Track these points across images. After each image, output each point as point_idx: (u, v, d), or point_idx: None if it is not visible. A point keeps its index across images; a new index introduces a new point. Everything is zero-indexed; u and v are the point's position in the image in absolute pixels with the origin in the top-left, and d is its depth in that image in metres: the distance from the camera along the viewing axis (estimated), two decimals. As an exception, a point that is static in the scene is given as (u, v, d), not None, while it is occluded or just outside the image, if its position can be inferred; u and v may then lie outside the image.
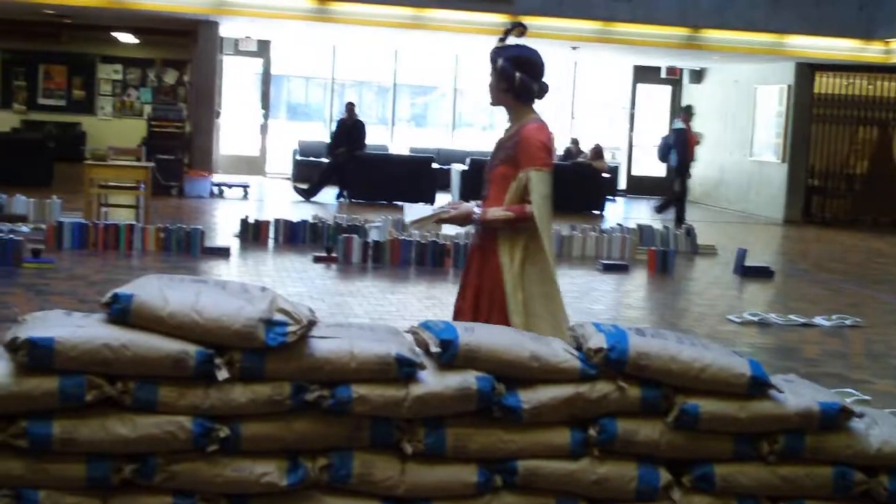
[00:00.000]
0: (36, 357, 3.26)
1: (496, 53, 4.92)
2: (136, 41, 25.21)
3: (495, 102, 5.02)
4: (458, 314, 5.03)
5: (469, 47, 23.29)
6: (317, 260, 11.62)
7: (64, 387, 3.27)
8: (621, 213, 20.97)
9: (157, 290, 3.51)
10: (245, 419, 3.42)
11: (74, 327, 3.38)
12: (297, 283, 10.22)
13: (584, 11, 18.16)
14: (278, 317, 3.46)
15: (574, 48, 21.25)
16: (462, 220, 4.96)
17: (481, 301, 4.90)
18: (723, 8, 18.61)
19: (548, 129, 4.88)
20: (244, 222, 12.94)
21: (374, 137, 22.66)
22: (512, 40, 4.98)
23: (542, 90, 4.93)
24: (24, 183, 16.78)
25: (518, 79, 4.84)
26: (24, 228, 12.19)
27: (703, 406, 3.57)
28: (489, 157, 5.07)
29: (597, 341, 3.64)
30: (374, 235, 12.34)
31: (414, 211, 5.02)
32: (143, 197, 13.37)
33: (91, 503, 3.33)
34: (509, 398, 3.55)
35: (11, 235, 10.70)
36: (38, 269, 10.08)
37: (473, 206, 4.93)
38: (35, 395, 3.26)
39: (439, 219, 4.99)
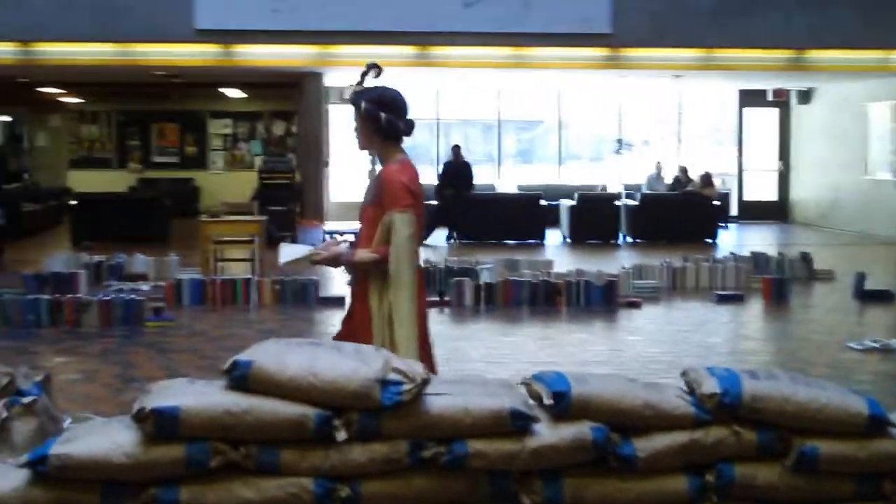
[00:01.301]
0: (162, 426, 3.37)
1: (357, 97, 4.89)
2: (244, 95, 25.77)
3: (363, 146, 4.98)
4: None
5: (572, 81, 23.33)
6: (429, 304, 11.71)
7: (190, 454, 3.38)
8: (734, 240, 20.70)
9: (274, 354, 3.60)
10: (365, 478, 3.49)
11: (197, 395, 3.49)
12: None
13: (686, 40, 18.06)
14: (393, 376, 3.53)
15: (677, 76, 21.14)
16: (333, 261, 4.91)
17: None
18: (821, 27, 18.33)
19: (411, 169, 4.83)
20: (356, 270, 13.09)
21: (482, 177, 22.77)
22: (370, 81, 4.95)
23: (409, 127, 4.91)
24: (142, 240, 17.24)
25: (384, 119, 4.82)
26: (145, 287, 12.52)
27: (823, 447, 3.54)
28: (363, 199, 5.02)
29: (709, 386, 3.64)
30: (485, 277, 12.39)
31: (287, 250, 4.99)
32: (257, 250, 13.64)
33: (217, 567, 3.41)
34: (624, 447, 3.56)
35: (133, 295, 11.00)
36: (160, 327, 10.34)
37: (344, 248, 4.89)
38: (163, 462, 3.37)
39: (311, 260, 4.97)
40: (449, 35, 17.48)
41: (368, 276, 4.79)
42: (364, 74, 4.94)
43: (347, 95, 17.57)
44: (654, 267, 13.50)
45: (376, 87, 4.91)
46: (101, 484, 3.38)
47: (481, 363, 8.73)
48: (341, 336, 4.94)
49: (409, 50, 17.97)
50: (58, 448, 3.38)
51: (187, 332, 10.18)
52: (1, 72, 18.96)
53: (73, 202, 20.04)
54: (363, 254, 4.79)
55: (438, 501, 3.55)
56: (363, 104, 4.83)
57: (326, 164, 21.17)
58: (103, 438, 3.43)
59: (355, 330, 4.84)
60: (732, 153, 26.30)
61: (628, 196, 20.91)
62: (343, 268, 5.01)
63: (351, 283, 5.02)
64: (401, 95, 4.93)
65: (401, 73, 20.06)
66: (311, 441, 3.47)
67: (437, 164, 23.99)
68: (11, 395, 5.44)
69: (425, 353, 4.89)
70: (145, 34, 16.99)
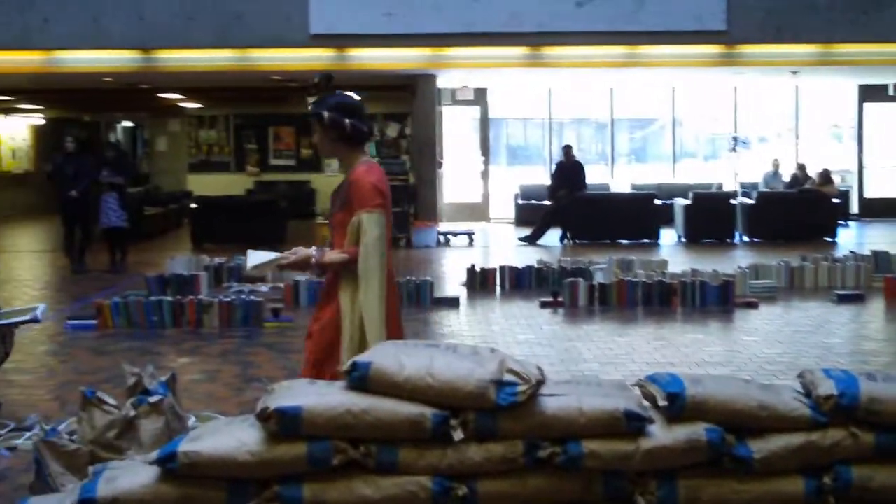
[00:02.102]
0: (285, 425, 3.48)
1: (317, 107, 4.89)
2: (358, 98, 26.03)
3: (328, 154, 5.01)
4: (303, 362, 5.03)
5: (686, 79, 23.11)
6: (543, 305, 11.73)
7: (312, 452, 3.48)
8: (855, 238, 20.29)
9: (392, 356, 3.69)
10: (481, 477, 3.56)
11: (318, 395, 3.59)
12: (525, 330, 10.35)
13: (803, 36, 17.76)
14: (508, 377, 3.59)
15: (794, 73, 20.82)
16: (301, 265, 4.86)
17: (318, 345, 4.88)
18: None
19: (378, 171, 4.83)
20: (470, 271, 13.18)
21: (595, 176, 22.69)
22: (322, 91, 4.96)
23: (371, 131, 4.98)
24: (259, 243, 17.46)
25: (349, 125, 4.82)
26: (264, 288, 12.76)
27: (943, 449, 3.50)
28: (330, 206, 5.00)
29: (826, 388, 3.63)
30: (599, 278, 12.37)
31: (255, 257, 4.99)
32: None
33: (341, 561, 3.50)
34: (740, 448, 3.57)
35: (252, 296, 11.22)
36: (279, 328, 10.54)
37: (313, 251, 4.83)
38: (286, 460, 3.48)
39: (279, 265, 4.96)
40: (562, 35, 17.45)
41: (339, 277, 4.79)
42: (316, 85, 4.95)
43: (459, 96, 17.52)
44: (772, 266, 13.32)
45: (333, 95, 4.92)
46: (227, 481, 3.50)
47: (595, 364, 8.73)
48: (310, 337, 4.95)
49: (521, 51, 18.00)
50: (186, 446, 3.51)
51: (305, 333, 10.33)
52: (124, 79, 19.49)
53: (193, 205, 20.51)
54: (333, 255, 4.79)
55: (553, 501, 3.60)
56: (325, 114, 4.84)
57: (440, 165, 21.31)
58: (228, 437, 3.55)
59: (325, 331, 4.82)
60: (852, 150, 25.76)
61: (744, 194, 20.64)
62: (313, 271, 5.05)
63: (323, 287, 5.01)
64: (356, 100, 4.97)
65: (513, 73, 20.12)
66: (429, 440, 3.55)
67: (550, 165, 23.98)
68: (139, 394, 5.65)
69: None
70: (262, 41, 17.32)
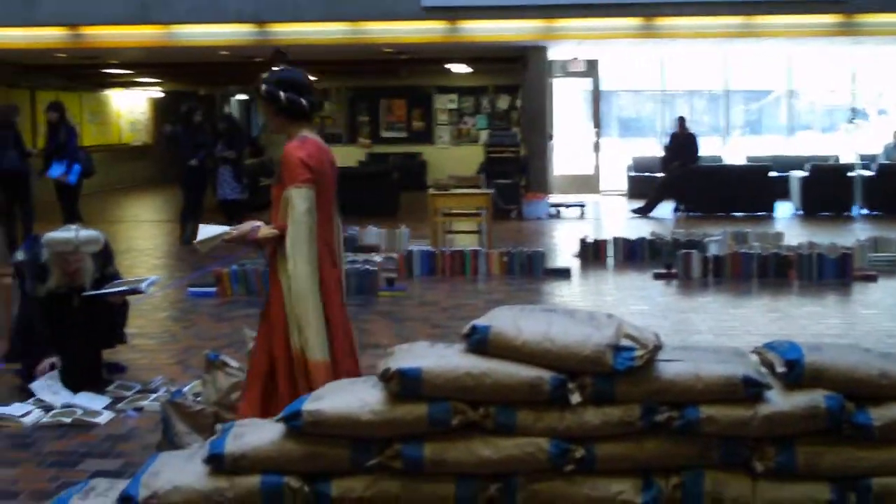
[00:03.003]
0: (406, 386, 3.57)
1: (260, 83, 4.92)
2: (469, 70, 26.09)
3: (275, 129, 5.00)
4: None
5: (803, 49, 22.67)
6: (657, 277, 11.68)
7: (432, 413, 3.56)
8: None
9: (510, 320, 3.75)
10: (598, 440, 3.60)
11: (438, 357, 3.67)
12: (638, 301, 10.33)
13: (925, 3, 17.31)
14: (625, 342, 3.63)
15: (916, 42, 20.31)
16: (242, 239, 4.88)
17: (270, 325, 4.88)
18: None
19: (311, 145, 4.84)
20: (583, 242, 13.17)
21: (708, 148, 22.42)
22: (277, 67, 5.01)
23: (313, 106, 4.94)
24: (372, 213, 17.73)
25: (284, 98, 4.84)
26: (378, 258, 12.91)
27: None
28: None
29: (949, 357, 3.59)
30: (713, 250, 12.26)
31: (204, 230, 4.99)
32: (484, 222, 13.86)
33: (460, 520, 3.59)
34: (859, 416, 3.56)
35: (367, 266, 11.37)
36: (393, 297, 10.68)
37: (250, 226, 4.85)
38: (407, 420, 3.57)
39: (224, 239, 4.94)
40: (676, 5, 17.25)
41: (276, 253, 4.83)
42: (271, 61, 5.02)
43: (571, 68, 17.36)
44: (892, 239, 13.04)
45: (278, 70, 4.96)
46: (350, 439, 3.60)
47: (710, 335, 8.68)
48: (264, 317, 5.01)
49: (635, 21, 17.82)
50: (310, 405, 3.62)
51: (418, 302, 10.47)
52: (239, 52, 19.79)
53: (307, 177, 20.71)
54: (265, 230, 4.81)
55: (670, 464, 3.63)
56: (263, 87, 4.91)
57: (550, 137, 21.25)
58: (351, 397, 3.65)
59: (273, 309, 4.87)
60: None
61: (864, 166, 20.22)
62: (253, 246, 5.14)
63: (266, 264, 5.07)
64: (301, 74, 4.98)
65: (625, 44, 19.94)
66: (547, 403, 3.60)
67: (662, 137, 23.75)
68: (260, 357, 5.78)
69: (338, 333, 4.84)
70: (374, 13, 17.43)
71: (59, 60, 20.63)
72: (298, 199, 4.69)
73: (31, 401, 6.59)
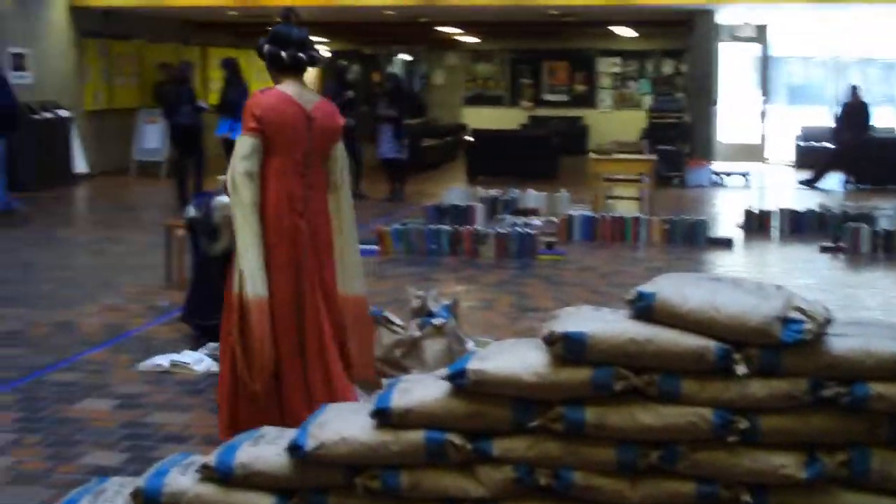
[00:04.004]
0: (571, 349, 3.59)
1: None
2: (634, 34, 25.79)
3: (273, 81, 5.13)
4: None
5: None
6: (823, 250, 11.42)
7: (595, 377, 3.57)
8: None
9: (676, 287, 3.73)
10: (763, 412, 3.56)
11: (603, 322, 3.68)
12: (803, 275, 10.13)
13: None
14: (794, 314, 3.57)
15: None
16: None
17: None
18: None
19: (269, 95, 4.93)
20: (747, 212, 12.94)
21: (881, 119, 21.70)
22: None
23: (294, 58, 5.04)
24: (532, 177, 17.75)
25: (266, 51, 5.03)
26: (537, 222, 12.91)
27: None
28: None
29: None
30: (883, 224, 11.92)
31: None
32: (646, 189, 13.75)
33: (620, 485, 3.60)
34: None
35: (527, 229, 11.41)
36: (552, 261, 10.70)
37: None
38: (571, 383, 3.59)
39: None
40: (851, -31, 16.74)
41: None
42: (284, 21, 5.17)
43: (739, 33, 17.07)
44: None
45: (274, 26, 5.16)
46: (512, 399, 3.64)
47: (878, 312, 8.47)
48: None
49: (808, -14, 17.37)
50: (474, 364, 3.67)
51: (578, 267, 10.47)
52: (405, 12, 19.95)
53: (469, 138, 20.85)
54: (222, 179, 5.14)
55: (836, 441, 3.57)
56: (259, 42, 5.13)
57: (715, 103, 20.88)
58: (515, 358, 3.69)
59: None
60: None
61: None
62: None
63: None
64: (288, 29, 5.10)
65: (797, 9, 19.42)
66: (711, 373, 3.58)
67: (834, 105, 23.09)
68: (423, 316, 5.89)
69: (281, 275, 4.88)
70: (542, -25, 17.38)
71: (231, 18, 21.13)
72: (238, 145, 4.90)
73: (203, 350, 6.84)
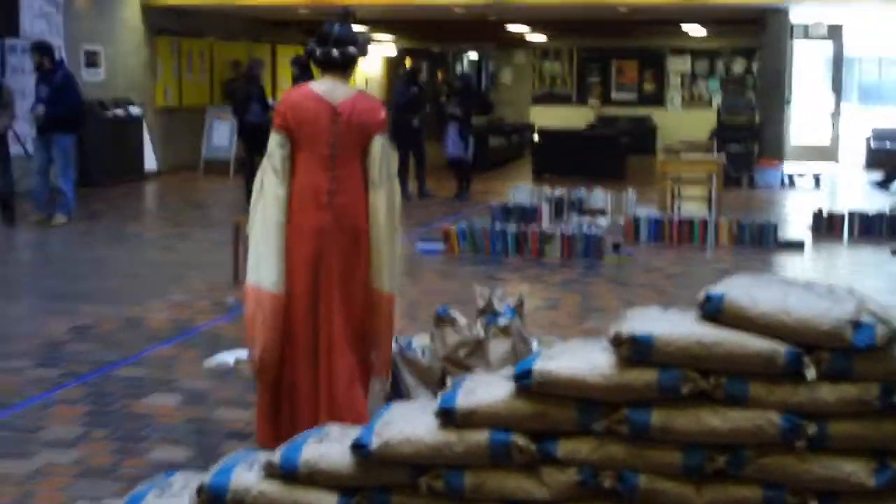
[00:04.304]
0: (637, 351, 3.55)
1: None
2: (704, 32, 25.55)
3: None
4: None
5: None
6: (895, 253, 11.23)
7: (662, 379, 3.54)
8: None
9: (746, 290, 3.68)
10: (832, 418, 3.51)
11: (671, 324, 3.64)
12: (873, 278, 9.97)
13: None
14: (866, 318, 3.51)
15: None
16: None
17: None
18: None
19: (294, 93, 5.12)
20: (817, 214, 12.77)
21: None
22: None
23: (327, 56, 5.08)
24: (600, 176, 17.68)
25: (307, 48, 5.19)
26: (603, 222, 12.86)
27: None
28: None
29: None
30: (957, 226, 11.70)
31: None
32: (714, 189, 13.61)
33: (686, 489, 3.56)
34: None
35: (593, 229, 11.35)
36: (619, 262, 10.63)
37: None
38: (636, 385, 3.55)
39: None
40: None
41: None
42: (343, 20, 5.23)
43: (813, 32, 16.81)
44: None
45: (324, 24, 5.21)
46: (577, 401, 3.62)
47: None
48: None
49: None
50: (540, 364, 3.65)
51: (645, 268, 10.39)
52: (474, 10, 19.94)
53: (536, 137, 20.80)
54: None
55: (908, 447, 3.51)
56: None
57: (787, 103, 20.62)
58: (581, 359, 3.66)
59: None
60: None
61: None
62: None
63: None
64: (331, 27, 5.14)
65: (873, 7, 19.11)
66: (780, 376, 3.53)
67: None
68: (488, 315, 5.87)
69: (297, 270, 4.93)
70: (611, -27, 17.27)
71: (301, 16, 21.26)
72: (269, 141, 5.02)
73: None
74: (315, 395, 4.95)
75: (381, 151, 5.08)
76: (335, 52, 5.10)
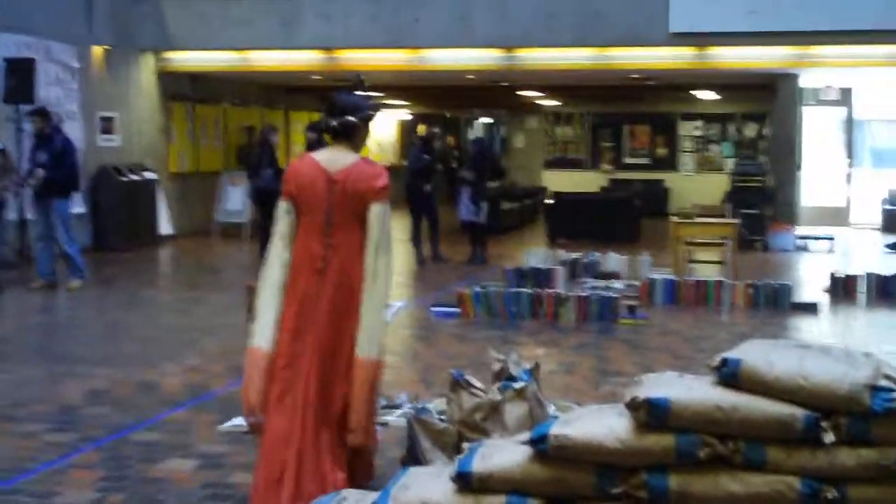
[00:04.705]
0: (654, 416, 3.56)
1: None
2: (716, 97, 25.69)
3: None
4: None
5: None
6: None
7: (680, 444, 3.54)
8: None
9: (762, 354, 3.69)
10: (851, 482, 3.50)
11: (687, 389, 3.65)
12: (891, 341, 9.93)
13: None
14: (884, 382, 3.51)
15: None
16: None
17: None
18: None
19: (300, 162, 5.29)
20: (833, 276, 12.74)
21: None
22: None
23: (328, 126, 5.26)
24: (613, 239, 17.71)
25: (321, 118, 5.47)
26: (618, 285, 12.85)
27: None
28: None
29: None
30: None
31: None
32: (729, 252, 13.61)
33: (705, 554, 3.54)
34: None
35: (608, 292, 11.34)
36: (634, 325, 10.61)
37: None
38: (654, 450, 3.55)
39: None
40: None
41: None
42: (354, 88, 5.43)
43: (823, 97, 16.86)
44: None
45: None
46: (595, 465, 3.61)
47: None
48: None
49: (891, 49, 17.17)
50: (557, 429, 3.65)
51: (661, 331, 10.37)
52: (486, 76, 20.12)
53: (549, 201, 20.87)
54: None
55: (928, 512, 3.49)
56: None
57: (799, 167, 20.68)
58: (598, 423, 3.67)
59: None
60: None
61: None
62: None
63: None
64: (339, 96, 5.31)
65: (883, 72, 19.21)
66: (798, 441, 3.52)
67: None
68: (504, 379, 5.86)
69: (286, 333, 5.05)
70: (622, 39, 17.38)
71: (314, 83, 21.45)
72: (277, 207, 5.24)
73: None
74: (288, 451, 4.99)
75: (379, 218, 5.12)
76: (334, 121, 5.25)
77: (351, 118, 5.22)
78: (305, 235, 5.14)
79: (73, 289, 12.56)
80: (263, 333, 5.07)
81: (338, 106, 5.28)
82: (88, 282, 12.89)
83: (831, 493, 3.48)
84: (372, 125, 5.44)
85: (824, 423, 3.50)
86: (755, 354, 3.70)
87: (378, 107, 5.56)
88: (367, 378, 5.00)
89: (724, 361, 3.67)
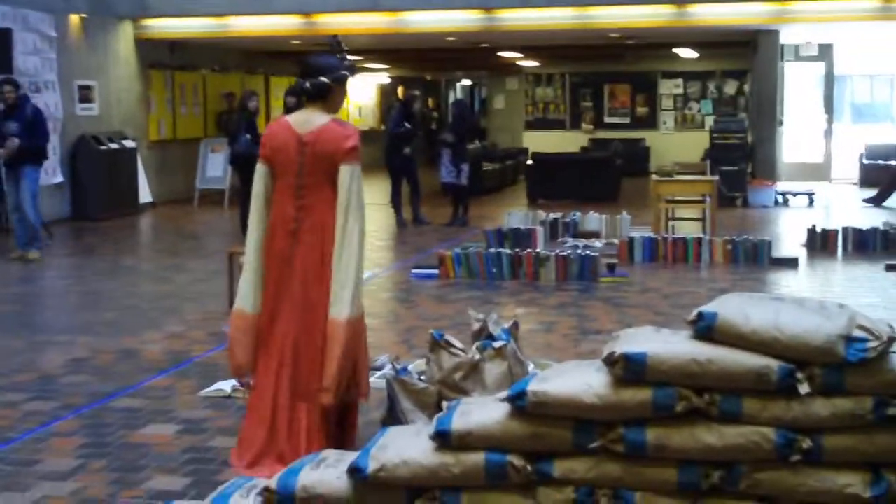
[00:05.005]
0: (631, 370, 3.57)
1: None
2: (696, 55, 25.65)
3: None
4: None
5: None
6: (889, 268, 11.24)
7: (656, 398, 3.56)
8: None
9: (738, 307, 3.70)
10: (826, 432, 3.53)
11: (664, 343, 3.66)
12: (868, 294, 9.98)
13: None
14: (858, 333, 3.53)
15: None
16: None
17: None
18: None
19: (276, 123, 5.34)
20: (811, 231, 12.79)
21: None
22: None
23: (301, 87, 5.31)
24: (594, 199, 17.73)
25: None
26: (598, 244, 12.88)
27: None
28: None
29: None
30: (951, 241, 11.73)
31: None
32: (708, 209, 13.64)
33: (682, 506, 3.57)
34: None
35: (587, 251, 11.36)
36: (614, 283, 10.64)
37: None
38: (631, 405, 3.57)
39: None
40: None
41: None
42: (332, 51, 5.43)
43: (803, 52, 16.86)
44: None
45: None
46: (573, 420, 3.63)
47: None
48: None
49: (870, 4, 17.16)
50: (535, 385, 3.66)
51: (640, 289, 10.40)
52: (466, 38, 20.02)
53: (529, 162, 20.87)
54: None
55: (902, 460, 3.52)
56: None
57: (780, 123, 20.69)
58: (576, 379, 3.68)
59: None
60: None
61: None
62: None
63: None
64: (314, 60, 5.37)
65: (862, 27, 19.20)
66: (773, 392, 3.55)
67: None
68: (483, 339, 5.88)
69: (268, 293, 5.17)
70: (602, -4, 17.34)
71: (294, 47, 21.33)
72: (255, 171, 5.32)
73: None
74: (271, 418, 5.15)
75: (349, 179, 5.12)
76: (307, 83, 5.27)
77: (323, 79, 5.21)
78: (280, 197, 5.19)
79: (33, 259, 12.41)
80: (247, 295, 5.18)
81: (311, 67, 5.30)
82: (69, 252, 12.83)
83: (806, 444, 3.50)
84: (348, 87, 5.43)
85: (799, 375, 3.53)
86: (731, 308, 3.71)
87: (353, 68, 5.55)
88: (339, 338, 4.99)
89: (701, 315, 3.69)
